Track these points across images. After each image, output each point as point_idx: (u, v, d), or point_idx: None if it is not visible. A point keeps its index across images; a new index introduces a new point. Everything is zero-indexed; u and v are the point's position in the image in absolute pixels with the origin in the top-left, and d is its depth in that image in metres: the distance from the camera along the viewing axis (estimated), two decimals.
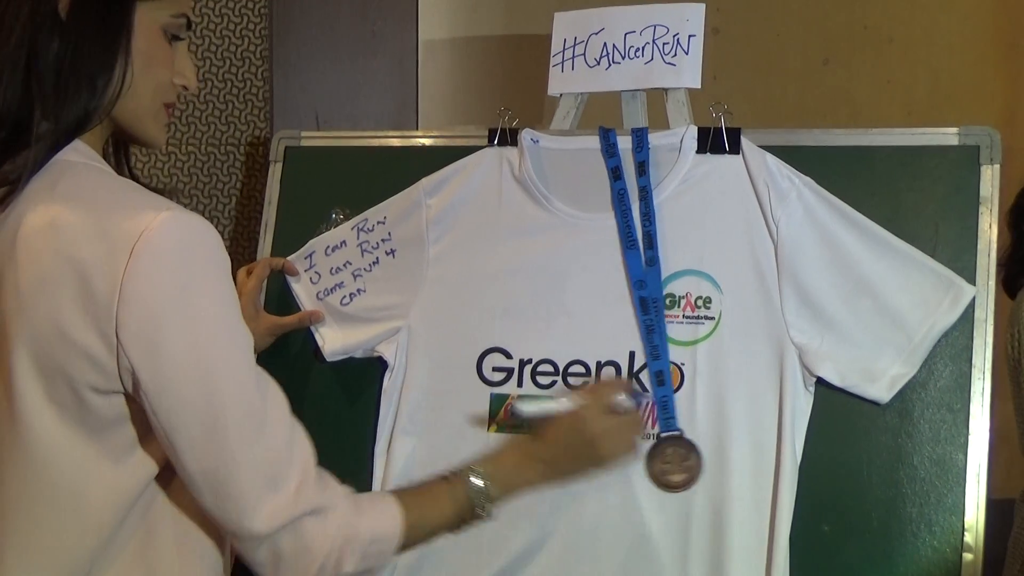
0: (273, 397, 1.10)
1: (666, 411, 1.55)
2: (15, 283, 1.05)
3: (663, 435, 1.55)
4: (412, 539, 1.16)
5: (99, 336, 1.03)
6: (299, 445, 1.11)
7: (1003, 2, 2.69)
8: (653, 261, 1.60)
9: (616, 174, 1.65)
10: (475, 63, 2.40)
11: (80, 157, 1.11)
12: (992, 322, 1.50)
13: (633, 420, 1.33)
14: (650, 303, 1.58)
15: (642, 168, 1.64)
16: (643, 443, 1.52)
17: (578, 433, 1.29)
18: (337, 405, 1.53)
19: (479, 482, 1.20)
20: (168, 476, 1.13)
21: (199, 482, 1.07)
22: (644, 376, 1.57)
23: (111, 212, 1.05)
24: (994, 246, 1.51)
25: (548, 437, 1.29)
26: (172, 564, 1.14)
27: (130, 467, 1.09)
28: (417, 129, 2.23)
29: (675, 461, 1.53)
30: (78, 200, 1.07)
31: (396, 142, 1.83)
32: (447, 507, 1.19)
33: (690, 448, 1.53)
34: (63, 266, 1.04)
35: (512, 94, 2.29)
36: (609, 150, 1.66)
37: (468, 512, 1.20)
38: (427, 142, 1.81)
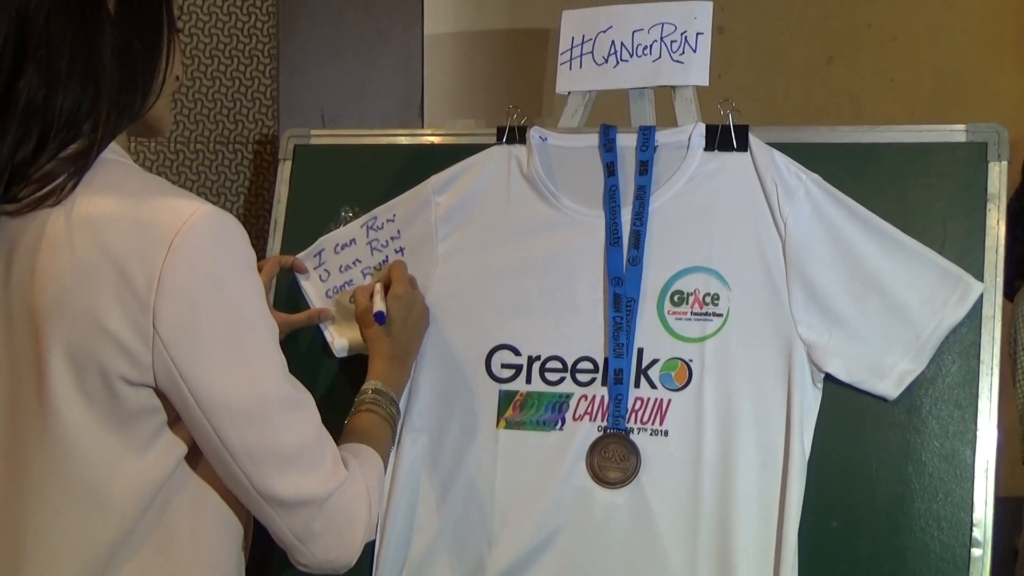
0: (297, 382, 1.17)
1: (618, 409, 1.56)
2: (53, 276, 1.06)
3: (609, 431, 1.56)
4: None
5: (135, 327, 1.05)
6: (322, 425, 1.19)
7: (1006, 0, 2.69)
8: (636, 261, 1.60)
9: (610, 170, 1.65)
10: (479, 58, 2.40)
11: (112, 154, 1.13)
12: (1000, 318, 1.50)
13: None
14: (624, 301, 1.58)
15: (644, 167, 1.64)
16: (590, 435, 1.57)
17: (407, 311, 1.54)
18: (346, 401, 1.53)
19: (389, 394, 1.46)
20: (187, 474, 1.14)
21: (244, 460, 1.11)
22: (654, 373, 1.57)
23: (148, 207, 1.07)
24: (1002, 242, 1.51)
25: (392, 331, 1.52)
26: (190, 560, 1.15)
27: (152, 459, 1.11)
28: (422, 126, 2.23)
29: (614, 459, 1.55)
30: (115, 195, 1.09)
31: (405, 140, 1.83)
32: (388, 431, 1.43)
33: (631, 449, 1.55)
34: (101, 259, 1.05)
35: (516, 89, 2.29)
36: (607, 145, 1.66)
37: (394, 422, 1.46)
38: (435, 140, 1.81)
